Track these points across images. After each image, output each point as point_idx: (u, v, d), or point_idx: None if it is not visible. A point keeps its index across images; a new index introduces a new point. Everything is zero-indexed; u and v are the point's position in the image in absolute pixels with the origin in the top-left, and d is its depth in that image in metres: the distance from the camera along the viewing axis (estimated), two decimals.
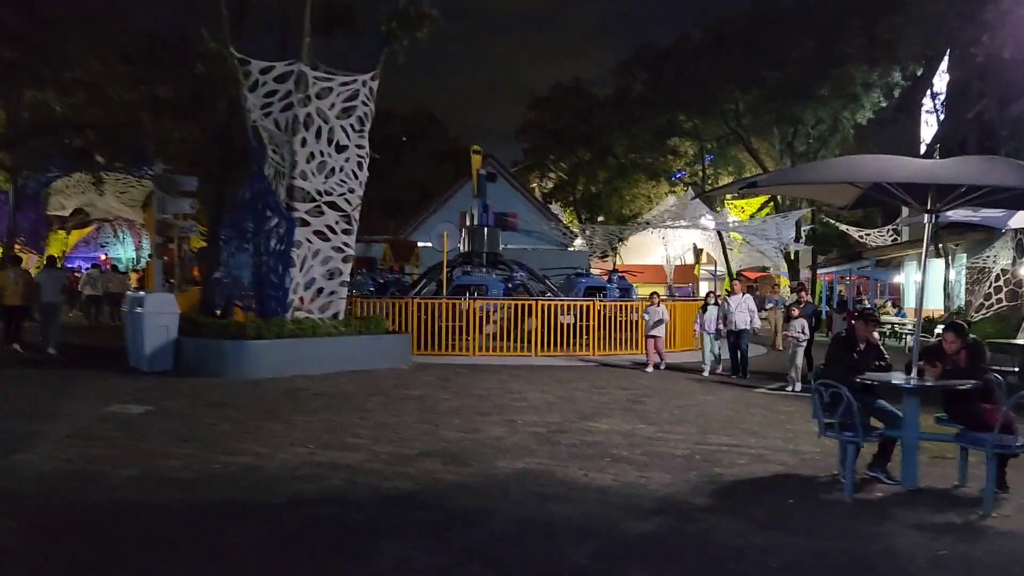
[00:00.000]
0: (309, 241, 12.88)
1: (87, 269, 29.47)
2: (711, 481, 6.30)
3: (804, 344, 12.22)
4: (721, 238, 35.39)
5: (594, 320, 15.92)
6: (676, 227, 31.49)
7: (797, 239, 28.05)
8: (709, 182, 33.82)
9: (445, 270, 16.25)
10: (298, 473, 6.20)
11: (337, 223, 13.14)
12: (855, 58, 23.80)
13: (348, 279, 13.44)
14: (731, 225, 30.14)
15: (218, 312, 14.24)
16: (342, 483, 5.97)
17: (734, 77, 26.02)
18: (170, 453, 6.72)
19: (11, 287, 14.62)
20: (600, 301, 16.45)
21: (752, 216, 39.26)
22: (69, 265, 37.84)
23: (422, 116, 38.88)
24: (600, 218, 36.50)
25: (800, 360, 12.16)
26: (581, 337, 16.01)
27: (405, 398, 10.23)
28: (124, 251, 44.47)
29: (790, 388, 11.82)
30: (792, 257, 28.97)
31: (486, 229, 20.83)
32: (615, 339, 16.15)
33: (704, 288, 50.82)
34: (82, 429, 7.59)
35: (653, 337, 13.99)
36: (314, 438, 7.53)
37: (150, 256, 19.00)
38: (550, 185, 40.70)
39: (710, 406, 10.24)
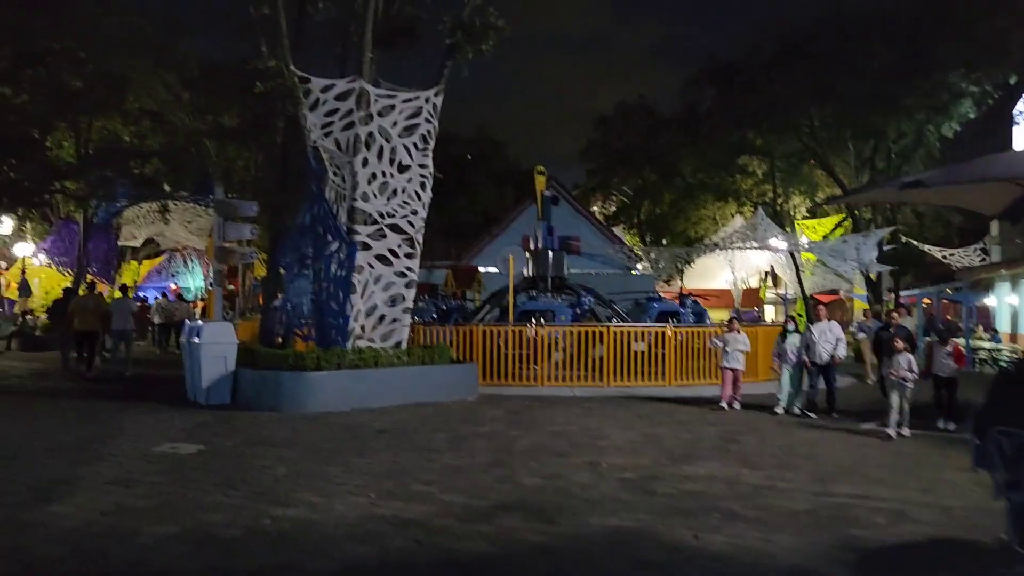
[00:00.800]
0: (371, 266, 12.18)
1: (157, 298, 29.68)
2: (848, 546, 5.19)
3: (911, 385, 10.05)
4: (794, 259, 33.79)
5: (670, 348, 14.78)
6: (747, 248, 30.08)
7: (879, 259, 26.34)
8: (779, 202, 32.30)
9: (512, 295, 15.38)
10: (357, 530, 5.34)
11: (400, 246, 12.42)
12: (949, 64, 22.24)
13: (411, 305, 12.66)
14: (806, 245, 28.56)
15: (278, 341, 13.63)
16: (407, 544, 5.08)
17: (809, 89, 24.68)
18: (216, 503, 5.94)
19: (86, 314, 15.46)
20: (676, 327, 15.32)
21: (825, 236, 37.46)
22: (140, 294, 38.46)
23: (483, 139, 38.40)
24: (664, 240, 35.24)
25: (905, 403, 9.99)
26: (655, 366, 14.88)
27: (474, 435, 9.33)
28: (193, 280, 45.08)
29: (890, 430, 9.82)
30: (874, 279, 27.20)
31: (551, 252, 19.90)
32: (692, 368, 14.97)
33: (770, 312, 48.89)
34: (126, 473, 6.89)
35: (732, 369, 12.26)
36: (376, 485, 6.67)
37: (210, 284, 18.75)
38: (612, 207, 39.65)
39: (817, 447, 9.04)
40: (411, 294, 12.61)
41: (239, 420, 10.08)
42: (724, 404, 12.00)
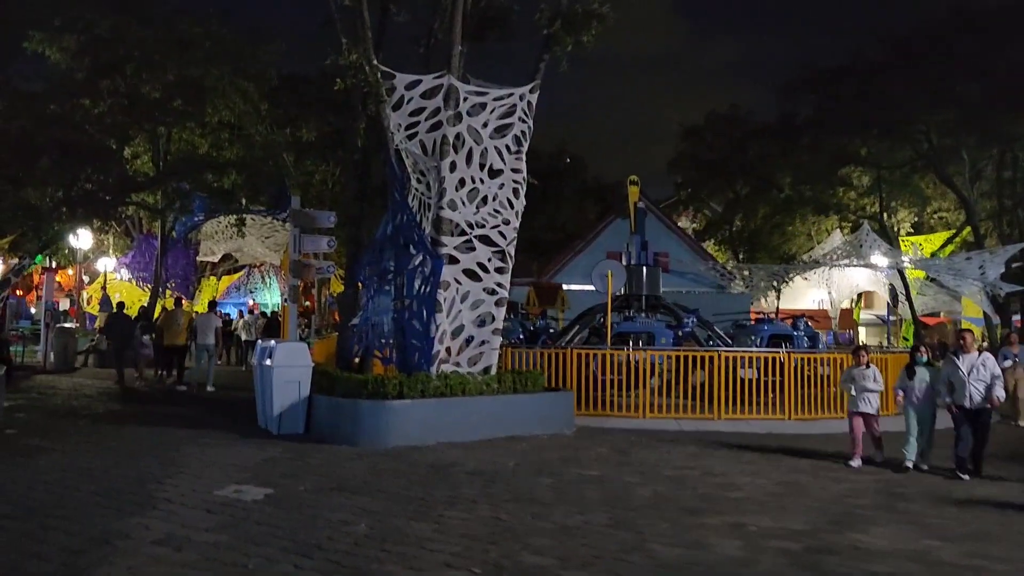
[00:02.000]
0: (458, 282, 10.99)
1: (246, 315, 29.39)
2: None
3: None
4: (903, 279, 31.29)
5: (789, 376, 13.07)
6: (852, 266, 27.89)
7: (1004, 278, 23.82)
8: (887, 216, 29.89)
9: (609, 315, 13.95)
10: None
11: (490, 260, 11.21)
12: None
13: (501, 326, 11.41)
14: (919, 263, 26.19)
15: (355, 363, 12.55)
16: None
17: (927, 93, 22.52)
18: None
19: (175, 328, 16.22)
20: (792, 352, 13.60)
21: (934, 254, 34.70)
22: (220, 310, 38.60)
23: (565, 154, 37.04)
24: (758, 257, 33.17)
25: None
26: (766, 395, 13.19)
27: (582, 481, 7.96)
28: (271, 296, 45.13)
29: None
30: (1001, 300, 24.65)
31: (645, 269, 18.42)
32: (814, 400, 13.21)
33: (863, 335, 45.67)
34: (179, 528, 5.78)
35: (862, 415, 9.53)
36: (478, 552, 5.38)
37: (284, 301, 17.98)
38: (700, 223, 37.69)
39: (1009, 515, 7.30)
40: (501, 313, 11.36)
41: (313, 456, 8.97)
42: (856, 462, 9.25)
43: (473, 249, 11.13)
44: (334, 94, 26.29)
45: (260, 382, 11.10)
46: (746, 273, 31.69)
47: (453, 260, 11.00)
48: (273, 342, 10.90)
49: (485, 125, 11.11)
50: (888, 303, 38.57)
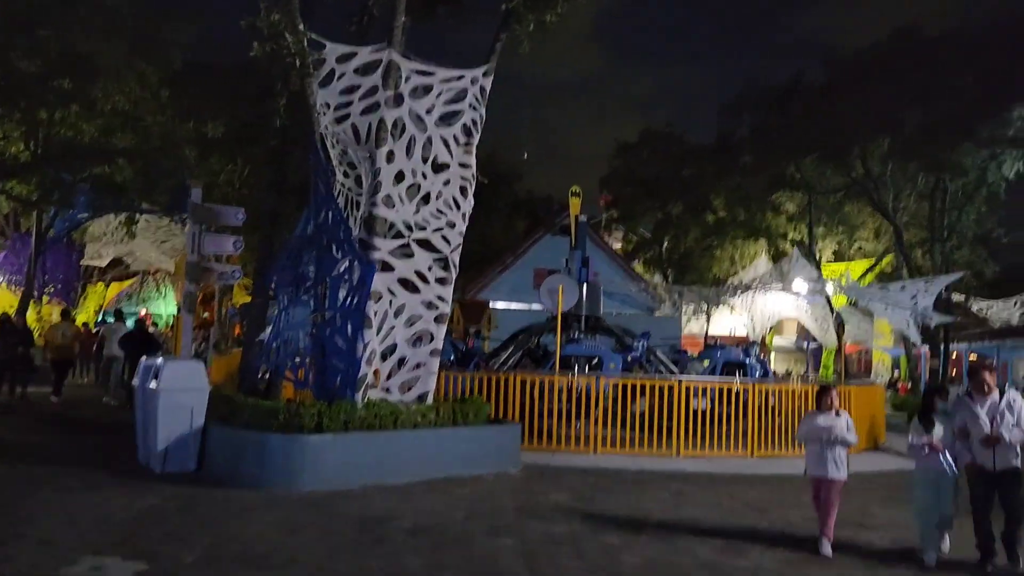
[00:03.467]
0: (392, 293, 9.40)
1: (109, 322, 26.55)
2: None
3: None
4: (830, 305, 31.34)
5: (752, 409, 11.99)
6: (791, 292, 27.54)
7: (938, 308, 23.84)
8: (811, 243, 29.84)
9: (559, 336, 12.54)
10: None
11: (430, 269, 9.67)
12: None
13: (440, 347, 9.84)
14: (854, 290, 26.02)
15: (262, 386, 10.69)
16: None
17: (868, 116, 22.33)
18: None
19: (58, 340, 15.51)
20: (751, 382, 12.56)
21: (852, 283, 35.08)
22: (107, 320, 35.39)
23: (492, 167, 35.58)
24: (689, 280, 32.65)
25: None
26: (719, 428, 12.07)
27: (551, 541, 6.48)
28: (165, 307, 41.75)
29: None
30: (931, 330, 24.65)
31: (586, 287, 17.16)
32: (775, 435, 12.18)
33: (777, 363, 45.88)
34: None
35: (829, 481, 7.00)
36: None
37: (178, 311, 15.88)
38: (630, 242, 36.94)
39: None
40: (441, 332, 9.82)
41: (206, 505, 7.15)
42: (827, 548, 6.68)
43: (411, 255, 9.57)
44: (246, 86, 24.30)
45: (142, 408, 9.16)
46: (675, 296, 31.07)
47: (387, 267, 9.42)
48: (160, 359, 8.97)
49: (430, 111, 9.60)
50: (809, 332, 38.89)
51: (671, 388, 11.90)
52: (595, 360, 13.75)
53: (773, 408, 12.16)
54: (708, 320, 31.31)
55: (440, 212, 9.68)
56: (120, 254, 33.88)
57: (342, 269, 9.37)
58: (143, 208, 22.68)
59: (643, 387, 12.15)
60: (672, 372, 14.80)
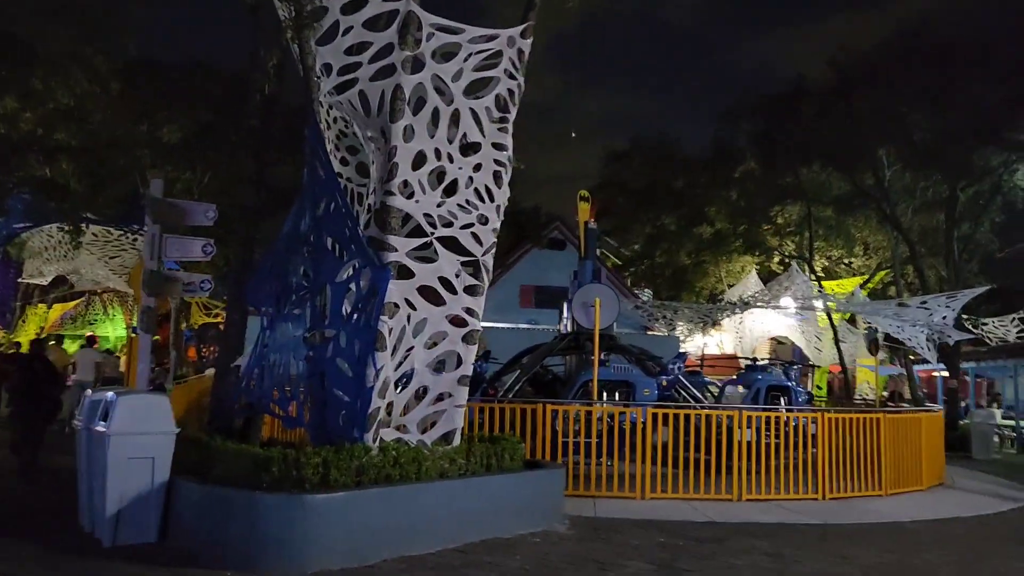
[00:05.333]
0: (410, 305, 7.50)
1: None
2: None
3: None
4: (832, 323, 30.07)
5: (824, 443, 10.26)
6: (792, 308, 26.24)
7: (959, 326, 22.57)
8: (811, 258, 28.59)
9: (597, 358, 10.67)
10: None
11: (458, 275, 7.80)
12: None
13: (470, 373, 7.94)
14: (864, 307, 24.68)
15: (238, 423, 8.63)
16: None
17: (880, 122, 21.10)
18: None
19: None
20: (824, 411, 10.86)
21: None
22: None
23: None
24: (685, 297, 31.14)
25: None
26: (766, 463, 10.29)
27: None
28: (114, 330, 38.84)
29: None
30: (949, 348, 23.37)
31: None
32: (843, 471, 10.48)
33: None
34: None
35: None
36: None
37: (134, 330, 13.79)
38: (622, 257, 35.36)
39: None
40: (471, 354, 7.92)
41: None
42: None
43: (434, 258, 7.68)
44: (204, 85, 22.18)
45: (85, 458, 7.09)
46: (668, 315, 29.51)
47: (404, 272, 7.53)
48: (111, 394, 6.91)
49: (457, 78, 7.77)
50: (800, 350, 37.60)
51: (729, 419, 10.14)
52: (626, 385, 11.93)
53: (852, 441, 10.48)
54: (704, 339, 29.81)
55: (469, 204, 7.83)
56: (64, 271, 31.14)
57: (347, 275, 7.47)
58: (89, 218, 20.37)
59: (701, 418, 10.33)
60: (698, 400, 13.10)
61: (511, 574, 6.18)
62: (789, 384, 13.34)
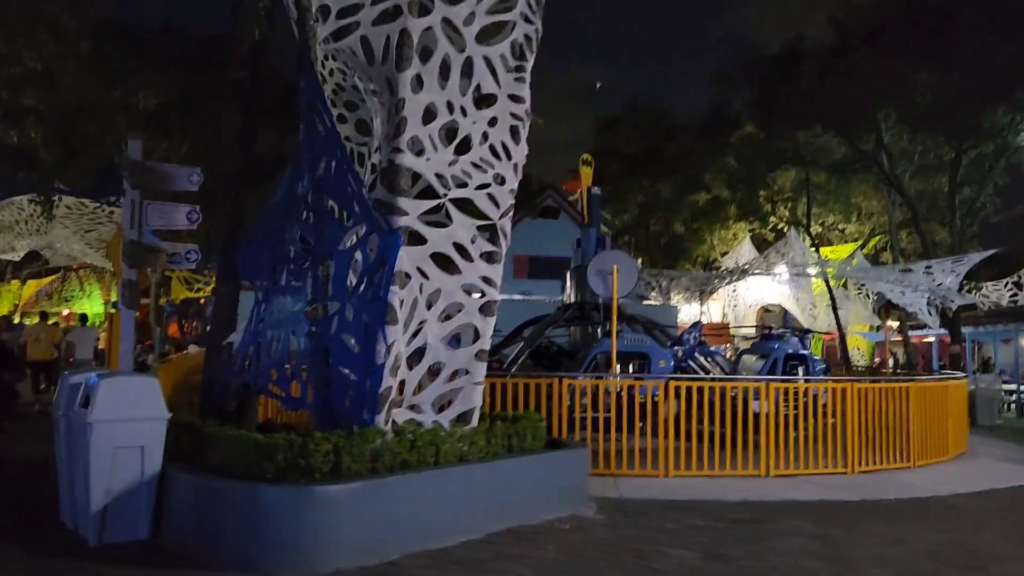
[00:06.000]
0: (422, 274, 6.84)
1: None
2: None
3: None
4: (829, 290, 29.72)
5: (852, 414, 9.75)
6: (800, 275, 25.80)
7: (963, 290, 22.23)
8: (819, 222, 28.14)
9: (615, 330, 10.09)
10: None
11: (474, 240, 7.14)
12: None
13: (487, 348, 7.31)
14: (866, 272, 24.29)
15: (231, 408, 7.96)
16: None
17: (897, 77, 20.45)
18: None
19: (33, 343, 15.50)
20: (854, 380, 10.34)
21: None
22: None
23: None
24: (680, 264, 30.60)
25: None
26: (784, 436, 9.76)
27: None
28: (91, 306, 37.76)
29: None
30: (951, 314, 23.02)
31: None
32: (874, 443, 10.00)
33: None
34: None
35: None
36: None
37: (114, 305, 13.03)
38: (620, 222, 34.73)
39: None
40: (489, 327, 7.28)
41: None
42: None
43: (447, 222, 7.00)
44: (181, 48, 21.12)
45: (65, 447, 6.41)
46: (663, 284, 29.04)
47: (415, 238, 6.85)
48: (93, 376, 6.22)
49: (469, 21, 7.03)
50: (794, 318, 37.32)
51: (755, 391, 9.60)
52: (641, 357, 11.38)
53: (874, 411, 9.99)
54: (701, 306, 29.32)
55: (485, 162, 7.14)
56: (37, 247, 30.10)
57: (352, 241, 6.79)
58: (61, 189, 19.42)
59: (727, 390, 9.77)
60: (706, 371, 12.57)
61: (546, 568, 5.61)
62: (806, 352, 12.84)
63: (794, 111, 22.53)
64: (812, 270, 27.41)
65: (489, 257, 7.21)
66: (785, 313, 39.15)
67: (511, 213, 7.36)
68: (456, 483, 6.38)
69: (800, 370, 12.39)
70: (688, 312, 32.88)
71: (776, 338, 13.02)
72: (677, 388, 9.31)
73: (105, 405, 5.90)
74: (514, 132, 7.30)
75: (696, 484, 8.82)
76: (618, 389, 9.64)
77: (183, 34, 21.10)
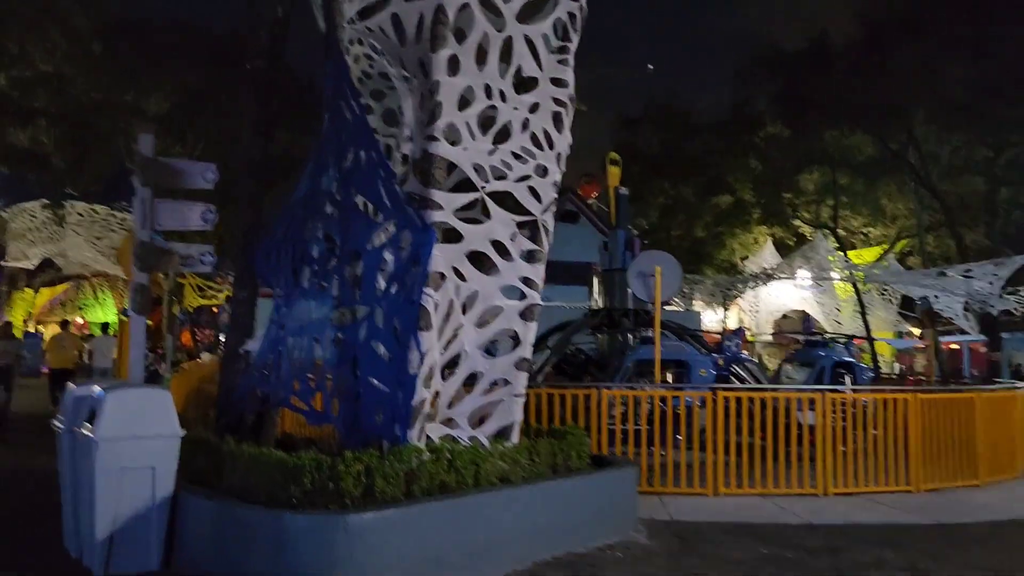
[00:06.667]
0: (458, 275, 6.24)
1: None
2: None
3: None
4: (858, 295, 28.96)
5: (916, 428, 9.04)
6: (828, 279, 25.07)
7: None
8: (843, 226, 27.39)
9: (658, 334, 9.41)
10: None
11: (514, 238, 6.52)
12: None
13: (530, 357, 6.69)
14: (903, 277, 23.53)
15: (249, 421, 7.36)
16: None
17: (912, 77, 19.73)
18: None
19: (56, 351, 15.18)
20: (917, 391, 9.60)
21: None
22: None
23: None
24: (702, 270, 29.86)
25: None
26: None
27: None
28: (104, 314, 37.38)
29: None
30: (994, 317, 22.15)
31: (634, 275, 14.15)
32: (940, 458, 9.27)
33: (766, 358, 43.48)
34: None
35: None
36: None
37: (124, 312, 12.54)
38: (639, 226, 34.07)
39: None
40: (531, 333, 6.66)
41: None
42: None
43: (485, 218, 6.40)
44: (194, 47, 20.65)
45: (69, 467, 5.84)
46: (685, 290, 28.32)
47: (451, 236, 6.24)
48: (97, 389, 5.64)
49: None
50: (809, 321, 36.51)
51: (811, 402, 8.91)
52: (679, 365, 10.73)
53: (939, 424, 9.28)
54: (726, 311, 28.62)
55: (526, 152, 6.53)
56: (50, 254, 29.77)
57: (383, 239, 6.19)
58: (71, 194, 18.98)
59: (779, 401, 9.07)
60: (756, 379, 11.89)
61: None
62: (853, 360, 12.15)
63: (824, 108, 21.77)
64: (840, 274, 26.68)
65: (530, 256, 6.60)
66: (806, 318, 38.38)
67: (554, 208, 6.74)
68: (500, 508, 5.75)
69: (847, 379, 11.69)
70: (709, 318, 32.18)
71: (821, 345, 12.31)
72: (727, 399, 8.64)
73: (112, 421, 5.32)
74: (557, 119, 6.69)
75: (750, 504, 8.15)
76: (661, 400, 8.99)
77: (196, 31, 20.70)
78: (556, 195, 6.73)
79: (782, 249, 33.88)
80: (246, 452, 5.66)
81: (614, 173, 15.25)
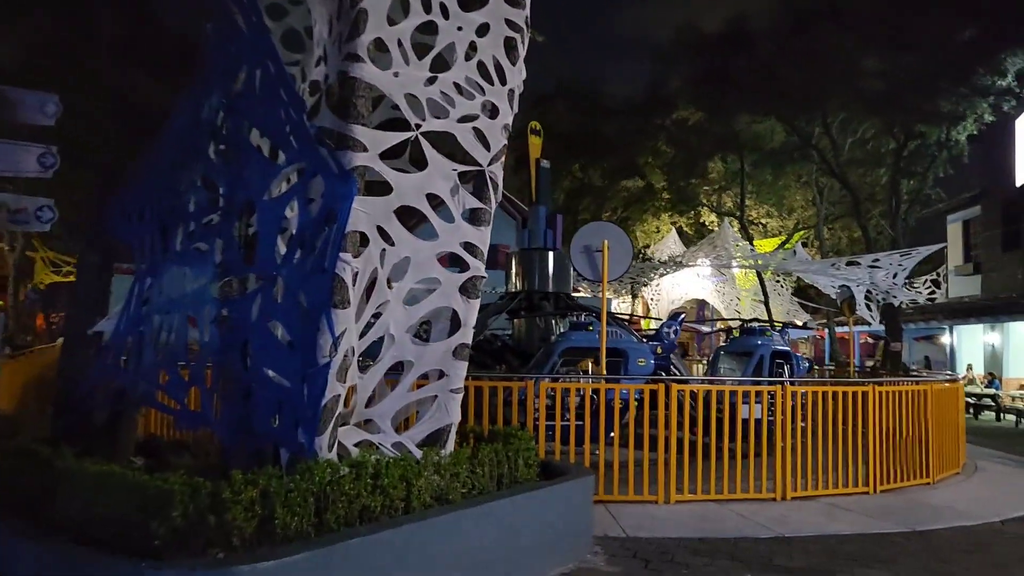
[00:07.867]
0: (386, 238, 4.92)
1: None
2: None
3: None
4: (762, 284, 29.19)
5: (873, 425, 8.39)
6: (734, 267, 24.90)
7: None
8: (750, 216, 27.40)
9: (604, 320, 8.28)
10: None
11: (455, 192, 5.26)
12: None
13: (469, 341, 5.45)
14: (807, 265, 23.58)
15: (97, 423, 5.78)
16: None
17: (830, 65, 19.65)
18: None
19: None
20: (874, 383, 8.96)
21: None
22: None
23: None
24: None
25: None
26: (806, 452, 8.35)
27: None
28: None
29: None
30: (895, 308, 22.50)
31: (552, 254, 13.15)
32: (890, 457, 8.68)
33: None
34: None
35: None
36: None
37: None
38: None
39: None
40: (472, 312, 5.42)
41: None
42: None
43: (423, 165, 5.10)
44: None
45: None
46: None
47: (375, 187, 4.92)
48: None
49: None
50: (701, 311, 36.90)
51: (771, 395, 8.09)
52: (617, 353, 9.71)
53: (898, 419, 8.68)
54: (634, 299, 28.17)
55: (472, 84, 5.27)
56: None
57: (285, 187, 4.81)
58: None
59: (724, 394, 8.17)
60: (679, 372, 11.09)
61: None
62: (789, 350, 11.53)
63: (741, 93, 21.43)
64: (746, 262, 26.71)
65: (474, 216, 5.36)
66: (701, 307, 38.76)
67: (503, 158, 5.51)
68: (437, 537, 4.51)
69: (785, 370, 11.06)
70: (616, 307, 31.78)
71: (758, 333, 11.63)
72: (680, 392, 7.67)
73: None
74: (510, 46, 5.46)
75: (708, 512, 7.23)
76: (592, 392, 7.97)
77: None
78: (506, 142, 5.50)
79: (684, 238, 33.92)
80: (90, 470, 4.17)
81: (535, 144, 14.13)
